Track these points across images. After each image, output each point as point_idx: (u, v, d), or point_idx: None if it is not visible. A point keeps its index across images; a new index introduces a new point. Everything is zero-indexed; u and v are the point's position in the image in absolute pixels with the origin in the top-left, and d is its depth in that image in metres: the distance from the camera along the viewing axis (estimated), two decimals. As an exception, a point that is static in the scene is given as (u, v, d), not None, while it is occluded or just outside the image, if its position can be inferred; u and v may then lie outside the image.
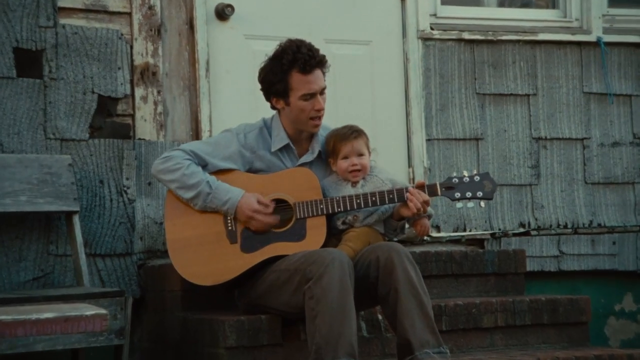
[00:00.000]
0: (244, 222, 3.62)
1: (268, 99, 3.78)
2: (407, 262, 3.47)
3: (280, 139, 3.78)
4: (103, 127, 4.43)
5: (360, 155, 3.70)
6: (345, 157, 3.71)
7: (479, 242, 5.12)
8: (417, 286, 3.44)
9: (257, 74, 3.84)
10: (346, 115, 4.73)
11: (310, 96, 3.67)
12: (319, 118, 3.73)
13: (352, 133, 3.73)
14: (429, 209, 3.71)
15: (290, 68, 3.65)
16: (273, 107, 3.81)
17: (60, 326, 3.34)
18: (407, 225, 3.78)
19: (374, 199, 3.61)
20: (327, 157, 3.80)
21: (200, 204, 3.65)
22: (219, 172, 3.72)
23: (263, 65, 3.76)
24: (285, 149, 3.79)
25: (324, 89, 3.71)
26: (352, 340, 3.34)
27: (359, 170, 3.70)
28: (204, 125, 4.63)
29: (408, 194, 3.58)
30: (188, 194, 3.66)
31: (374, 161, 3.80)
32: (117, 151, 4.43)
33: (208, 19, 4.69)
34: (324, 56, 3.72)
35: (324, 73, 3.73)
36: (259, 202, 3.62)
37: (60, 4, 4.36)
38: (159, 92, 4.56)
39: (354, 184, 3.70)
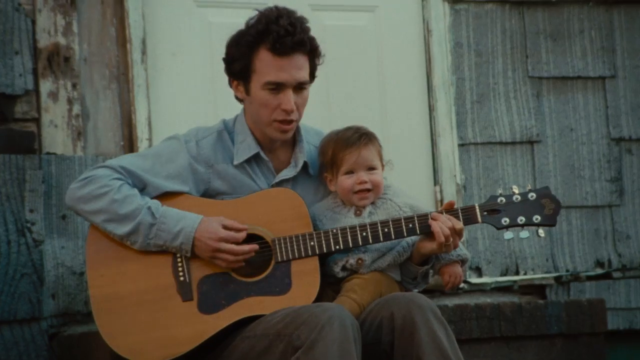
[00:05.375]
0: (208, 260, 3.66)
1: (230, 83, 3.82)
2: (435, 321, 3.48)
3: (246, 146, 3.79)
4: (-5, 138, 4.48)
5: (372, 169, 3.74)
6: (350, 172, 3.73)
7: (538, 289, 5.15)
8: (450, 354, 3.44)
9: (215, 56, 3.86)
10: (342, 114, 4.77)
11: (277, 87, 3.68)
12: (289, 122, 3.73)
13: (360, 137, 3.74)
14: (462, 249, 3.72)
15: (257, 41, 3.65)
16: (237, 98, 3.84)
17: None
18: (431, 273, 3.80)
19: (386, 230, 3.62)
20: (321, 171, 3.82)
21: (140, 241, 3.65)
22: (162, 197, 3.75)
23: (232, 35, 3.77)
24: (255, 160, 3.82)
25: (302, 83, 3.70)
26: None
27: (368, 191, 3.72)
28: (141, 132, 4.66)
29: (431, 219, 3.62)
30: (122, 229, 3.65)
31: (386, 179, 3.83)
32: (16, 171, 4.45)
33: (143, -20, 4.77)
34: (312, 39, 3.71)
35: (312, 62, 3.73)
36: (225, 227, 3.65)
37: None
38: (74, 85, 4.59)
39: (359, 210, 3.73)
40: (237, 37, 3.74)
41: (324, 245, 3.65)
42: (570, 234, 5.19)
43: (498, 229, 3.69)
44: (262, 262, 3.69)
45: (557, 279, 5.14)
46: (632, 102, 5.33)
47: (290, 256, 3.65)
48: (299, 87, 3.70)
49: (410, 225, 3.65)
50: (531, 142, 5.19)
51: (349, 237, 3.65)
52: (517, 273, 5.11)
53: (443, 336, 3.48)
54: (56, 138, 4.53)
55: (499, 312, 4.55)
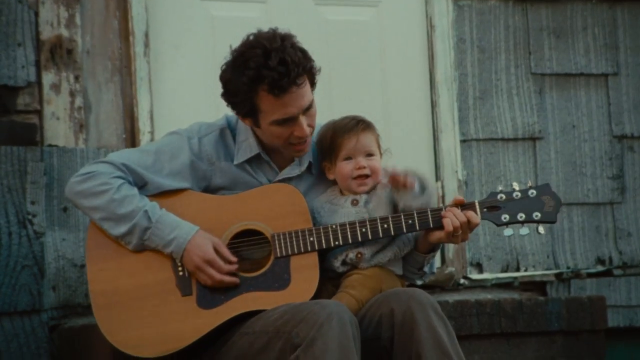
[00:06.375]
0: (191, 273, 3.67)
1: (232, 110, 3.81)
2: (435, 317, 3.48)
3: (247, 146, 3.79)
4: (-3, 130, 4.48)
5: (370, 155, 3.73)
6: (348, 158, 3.73)
7: (538, 286, 5.14)
8: (450, 351, 3.44)
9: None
10: (344, 109, 4.68)
11: (286, 121, 3.67)
12: (304, 142, 3.72)
13: (358, 123, 3.74)
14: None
15: (254, 86, 3.61)
16: None
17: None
18: (434, 265, 3.80)
19: (385, 226, 3.61)
20: (320, 161, 3.82)
21: (135, 242, 3.66)
22: (163, 192, 3.75)
23: (224, 68, 3.71)
24: (255, 160, 3.82)
25: (308, 108, 3.68)
26: None
27: (366, 177, 3.71)
28: (143, 125, 4.66)
29: (444, 211, 3.60)
30: (118, 229, 3.66)
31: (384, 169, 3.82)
32: (18, 163, 4.44)
33: (146, -27, 4.77)
34: (305, 64, 3.64)
35: (311, 79, 3.69)
36: (216, 250, 3.65)
37: None
38: (77, 77, 4.58)
39: (355, 201, 3.72)
40: (231, 77, 3.67)
41: (323, 241, 3.65)
42: (572, 231, 5.19)
43: (498, 225, 3.68)
44: (261, 258, 3.69)
45: (558, 275, 5.14)
46: (635, 100, 5.32)
47: (290, 252, 3.65)
48: (307, 109, 3.69)
49: (410, 222, 3.64)
50: (533, 139, 5.18)
51: (349, 233, 3.65)
52: (517, 269, 5.11)
53: (443, 332, 3.48)
54: (58, 130, 4.53)
55: (499, 309, 4.54)
